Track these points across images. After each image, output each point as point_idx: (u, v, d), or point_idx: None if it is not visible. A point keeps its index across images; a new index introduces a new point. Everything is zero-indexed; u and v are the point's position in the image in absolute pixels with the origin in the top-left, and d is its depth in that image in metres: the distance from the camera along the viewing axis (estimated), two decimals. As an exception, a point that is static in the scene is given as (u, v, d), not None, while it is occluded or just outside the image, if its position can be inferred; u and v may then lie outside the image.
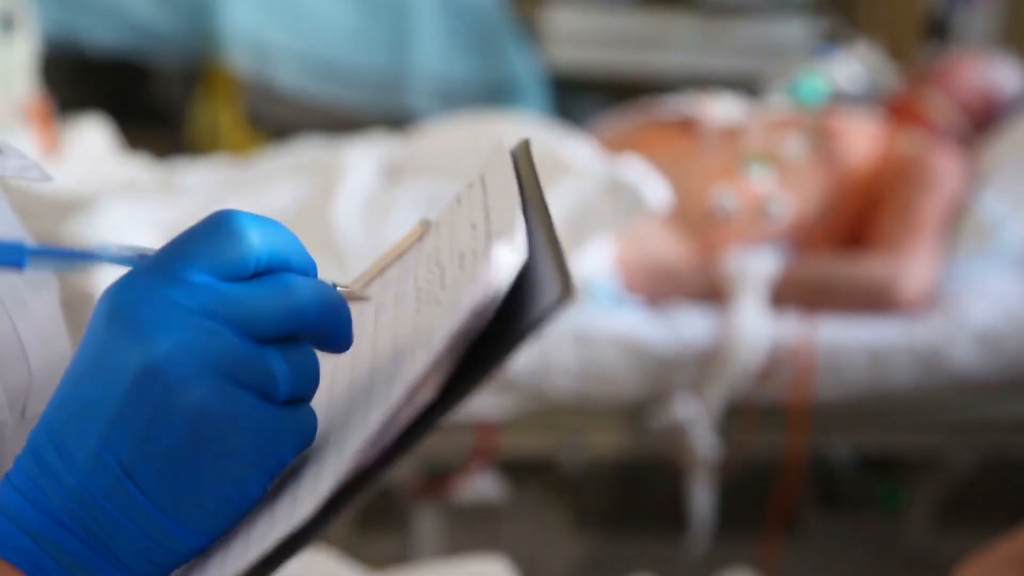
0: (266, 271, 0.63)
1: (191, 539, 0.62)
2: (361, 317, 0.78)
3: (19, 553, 0.61)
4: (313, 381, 0.63)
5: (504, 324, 0.60)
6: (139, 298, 0.60)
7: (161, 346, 0.59)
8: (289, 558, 0.60)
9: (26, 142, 2.60)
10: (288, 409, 0.62)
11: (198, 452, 0.60)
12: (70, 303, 2.31)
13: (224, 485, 0.61)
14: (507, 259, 0.59)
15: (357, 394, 0.68)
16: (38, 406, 0.73)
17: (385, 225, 2.44)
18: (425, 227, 0.81)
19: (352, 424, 0.63)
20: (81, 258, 0.64)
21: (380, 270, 0.81)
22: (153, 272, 0.61)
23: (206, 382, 0.59)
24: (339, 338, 0.65)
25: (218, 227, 0.62)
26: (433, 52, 3.93)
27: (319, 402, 0.69)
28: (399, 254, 0.81)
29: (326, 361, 0.72)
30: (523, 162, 0.75)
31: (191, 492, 0.60)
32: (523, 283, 0.61)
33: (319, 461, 0.63)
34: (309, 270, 0.65)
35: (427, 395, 0.59)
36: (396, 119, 3.76)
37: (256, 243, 0.62)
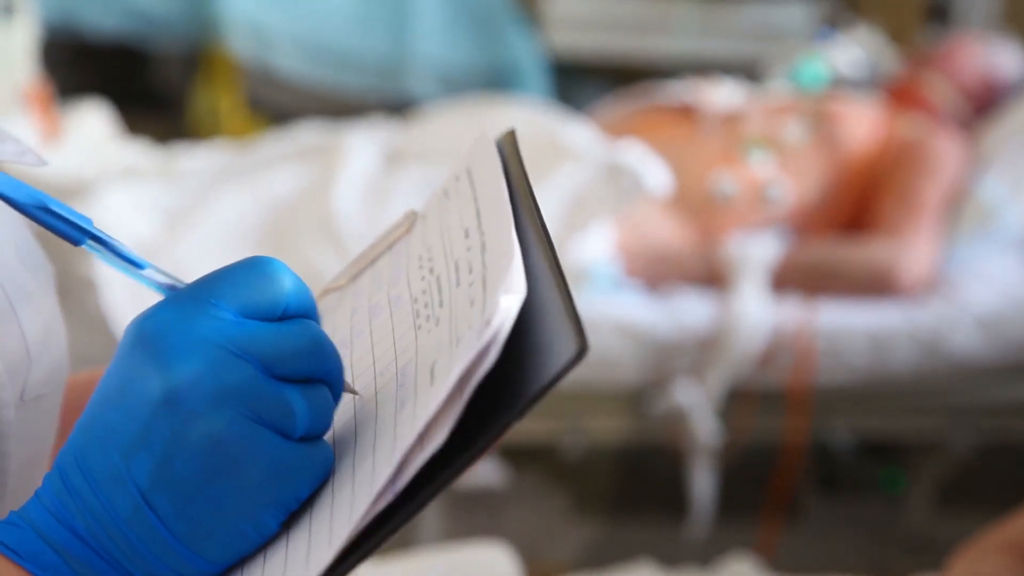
0: (292, 317, 0.64)
1: (206, 569, 0.63)
2: (355, 317, 0.77)
3: (45, 568, 0.62)
4: (329, 420, 0.65)
5: (514, 363, 0.61)
6: (166, 327, 0.61)
7: (182, 374, 0.60)
8: None
9: (26, 127, 2.60)
10: (305, 446, 0.63)
11: (213, 482, 0.61)
12: (69, 289, 2.31)
13: (238, 518, 0.62)
14: (507, 303, 0.60)
15: (364, 419, 0.68)
16: (37, 389, 0.74)
17: (385, 210, 2.44)
18: (412, 219, 0.81)
19: (363, 460, 0.64)
20: (125, 263, 0.66)
21: (370, 261, 0.81)
22: (182, 303, 0.62)
23: (224, 413, 0.60)
24: (339, 394, 0.66)
25: (252, 268, 0.64)
26: (433, 37, 3.92)
27: None
28: (388, 245, 0.81)
29: None
30: (510, 154, 0.75)
31: (206, 523, 0.61)
32: (528, 314, 0.62)
33: (331, 499, 0.63)
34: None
35: (440, 438, 0.59)
36: (396, 104, 3.76)
37: (287, 289, 0.64)
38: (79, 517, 0.62)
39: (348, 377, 0.72)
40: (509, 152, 0.75)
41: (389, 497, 0.60)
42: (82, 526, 0.62)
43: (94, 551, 0.62)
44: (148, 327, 0.62)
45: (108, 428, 0.62)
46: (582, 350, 0.58)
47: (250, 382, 0.61)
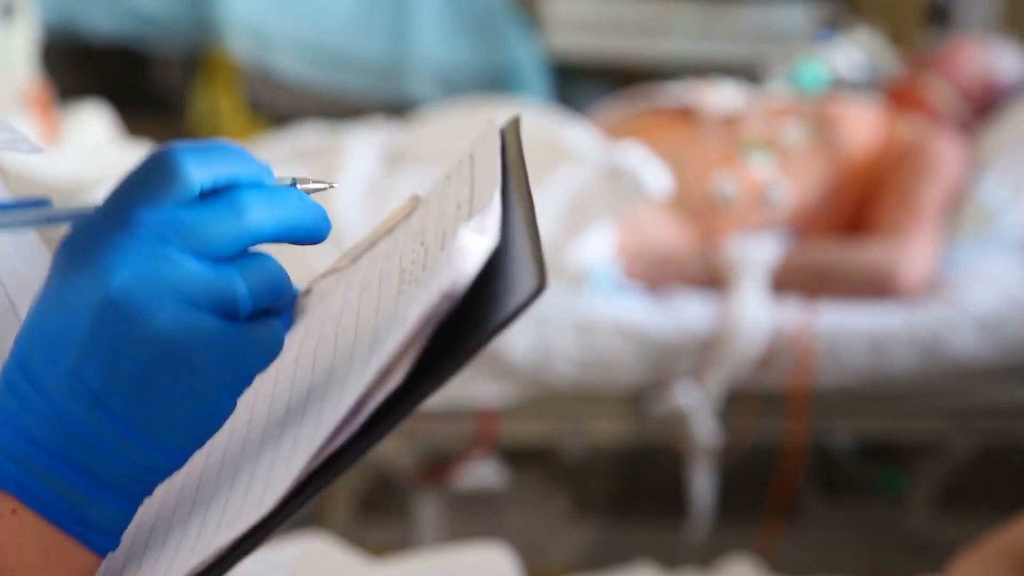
0: (213, 192, 0.63)
1: (169, 457, 0.63)
2: (347, 295, 0.78)
3: (4, 476, 0.62)
4: (277, 291, 0.64)
5: (479, 307, 0.61)
6: (92, 240, 0.61)
7: (118, 279, 0.60)
8: (259, 544, 0.61)
9: (26, 129, 2.60)
10: (252, 324, 0.63)
11: (166, 376, 0.61)
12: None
13: (195, 405, 0.62)
14: (474, 243, 0.60)
15: (337, 372, 0.68)
16: None
17: (385, 211, 2.44)
18: (415, 203, 0.81)
19: (327, 405, 0.64)
20: (24, 210, 0.64)
21: (371, 244, 0.82)
22: (102, 216, 0.62)
23: (166, 309, 0.60)
24: (311, 230, 0.67)
25: (154, 166, 0.62)
26: (433, 39, 3.92)
27: (301, 377, 0.70)
28: (389, 228, 0.81)
29: (310, 337, 0.74)
30: (511, 139, 0.75)
31: (164, 414, 0.61)
32: (498, 265, 0.62)
33: (293, 438, 0.64)
34: (261, 180, 0.65)
35: (397, 378, 0.59)
36: (396, 106, 3.76)
37: (193, 174, 0.62)
38: (33, 424, 0.61)
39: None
40: (510, 138, 0.76)
41: (347, 434, 0.60)
42: (36, 432, 0.61)
43: (53, 455, 0.62)
44: (74, 244, 0.61)
45: (51, 337, 0.61)
46: (540, 286, 0.57)
47: (184, 272, 0.61)
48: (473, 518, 2.56)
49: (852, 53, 3.10)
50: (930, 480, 2.68)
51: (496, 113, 2.41)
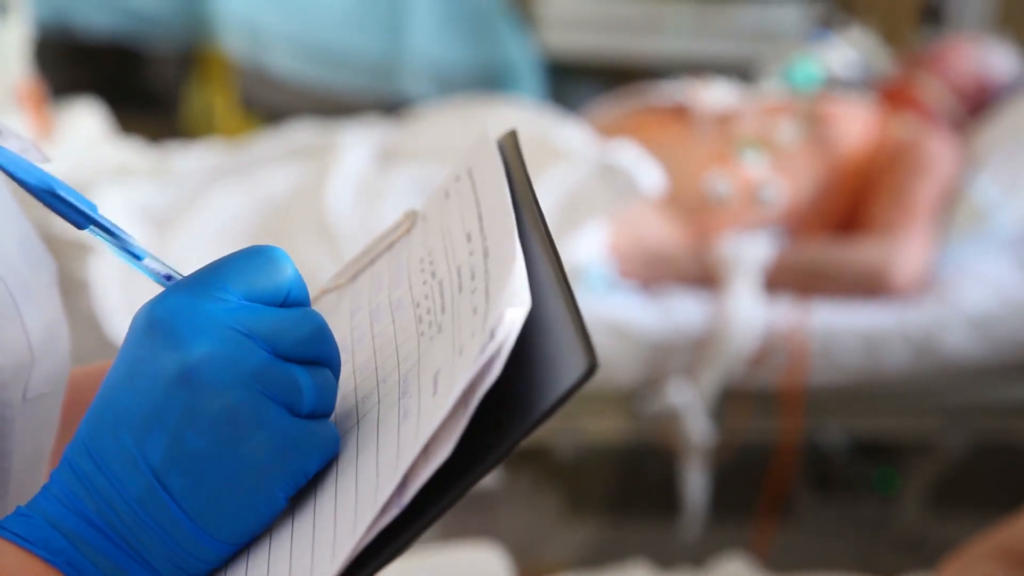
0: (293, 304, 0.67)
1: (216, 547, 0.64)
2: (355, 318, 0.77)
3: (55, 553, 0.62)
4: (333, 400, 0.66)
5: (519, 369, 0.60)
6: (177, 310, 0.63)
7: (196, 353, 0.62)
8: None
9: (19, 127, 2.60)
10: (312, 422, 0.64)
11: (225, 456, 0.62)
12: (63, 288, 2.30)
13: (249, 492, 0.63)
14: (512, 315, 0.60)
15: (367, 426, 0.67)
16: (40, 387, 0.75)
17: (379, 209, 2.44)
18: (412, 218, 0.80)
19: (366, 471, 0.63)
20: (126, 252, 0.68)
21: (370, 261, 0.80)
22: (191, 287, 0.64)
23: (237, 389, 0.62)
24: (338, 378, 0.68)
25: (256, 255, 0.66)
26: (428, 36, 3.92)
27: None
28: (388, 246, 0.80)
29: None
30: (512, 156, 0.74)
31: (217, 498, 0.62)
32: (532, 327, 0.62)
33: (335, 510, 0.63)
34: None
35: (444, 452, 0.59)
36: (390, 104, 3.76)
37: (289, 275, 0.66)
38: (89, 501, 0.63)
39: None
40: (511, 154, 0.75)
41: (394, 512, 0.59)
42: (92, 509, 0.63)
43: (104, 534, 0.63)
44: (159, 311, 0.63)
45: (118, 412, 0.63)
46: (592, 367, 0.58)
47: (260, 360, 0.63)
48: (466, 516, 2.56)
49: (846, 52, 3.10)
50: (923, 478, 2.68)
51: (495, 119, 2.40)
